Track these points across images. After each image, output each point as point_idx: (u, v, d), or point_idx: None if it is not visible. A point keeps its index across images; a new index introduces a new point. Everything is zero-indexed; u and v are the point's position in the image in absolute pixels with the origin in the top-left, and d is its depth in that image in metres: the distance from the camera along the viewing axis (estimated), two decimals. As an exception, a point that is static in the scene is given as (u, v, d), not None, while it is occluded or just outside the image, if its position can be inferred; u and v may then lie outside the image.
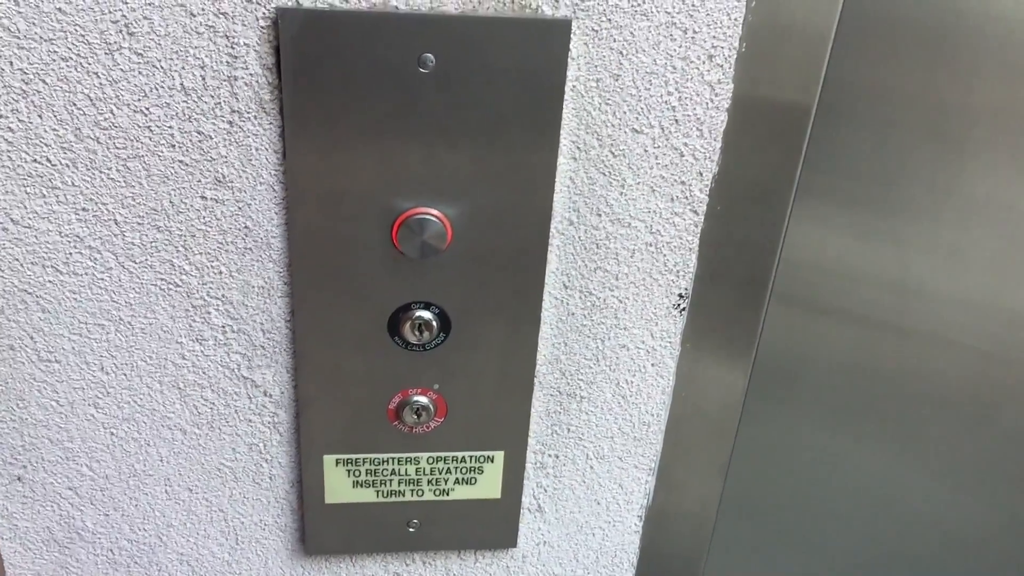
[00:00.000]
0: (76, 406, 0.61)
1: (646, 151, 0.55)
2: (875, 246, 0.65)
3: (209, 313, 0.58)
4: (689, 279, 0.61)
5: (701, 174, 0.57)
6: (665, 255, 0.59)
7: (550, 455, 0.68)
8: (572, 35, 0.51)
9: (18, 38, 0.48)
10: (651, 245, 0.59)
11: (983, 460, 0.76)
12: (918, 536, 0.81)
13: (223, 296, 0.57)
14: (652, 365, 0.64)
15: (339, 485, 0.66)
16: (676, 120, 0.54)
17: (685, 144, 0.55)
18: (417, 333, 0.60)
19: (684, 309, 0.62)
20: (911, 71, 0.58)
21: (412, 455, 0.66)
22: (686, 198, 0.57)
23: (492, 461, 0.67)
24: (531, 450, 0.67)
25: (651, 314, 0.62)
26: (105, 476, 0.64)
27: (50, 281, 0.56)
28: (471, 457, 0.66)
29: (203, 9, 0.48)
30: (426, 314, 0.59)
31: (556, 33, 0.51)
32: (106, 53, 0.49)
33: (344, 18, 0.49)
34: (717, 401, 0.67)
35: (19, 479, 0.63)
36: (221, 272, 0.57)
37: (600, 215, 0.57)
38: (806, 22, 0.53)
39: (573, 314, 0.61)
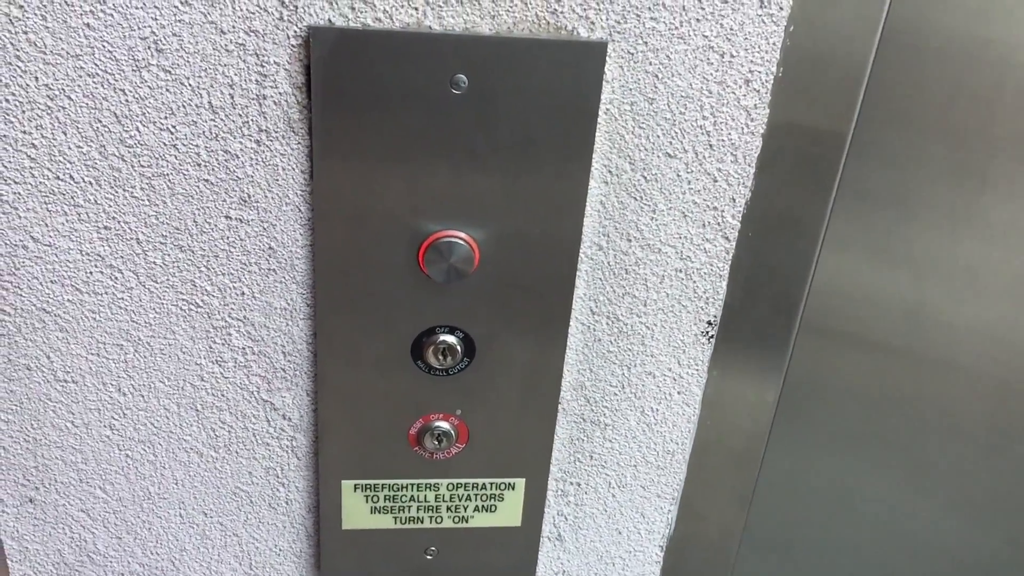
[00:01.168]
0: (91, 427, 0.60)
1: (679, 176, 0.54)
2: (893, 272, 0.64)
3: (230, 334, 0.57)
4: (718, 306, 0.60)
5: (734, 200, 0.56)
6: (695, 281, 0.58)
7: (572, 483, 0.66)
8: (607, 58, 0.50)
9: (44, 53, 0.47)
10: (681, 271, 0.58)
11: (998, 490, 0.75)
12: (932, 565, 0.79)
13: (245, 317, 0.56)
14: (678, 393, 0.63)
15: (356, 511, 0.65)
16: (710, 145, 0.53)
17: (719, 169, 0.54)
18: (441, 358, 0.58)
19: (712, 336, 0.61)
20: (938, 98, 0.57)
21: (432, 481, 0.64)
22: (718, 224, 0.56)
23: (513, 488, 0.65)
24: (553, 478, 0.66)
25: (679, 341, 0.61)
26: (119, 499, 0.63)
27: (69, 300, 0.55)
28: (492, 484, 0.65)
29: (233, 27, 0.47)
30: (450, 338, 0.58)
31: (591, 56, 0.50)
32: (134, 70, 0.48)
33: (377, 38, 0.48)
34: (742, 431, 0.66)
35: (31, 501, 0.62)
36: (243, 293, 0.55)
37: (630, 240, 0.56)
38: (844, 49, 0.52)
39: (600, 340, 0.60)
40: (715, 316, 0.60)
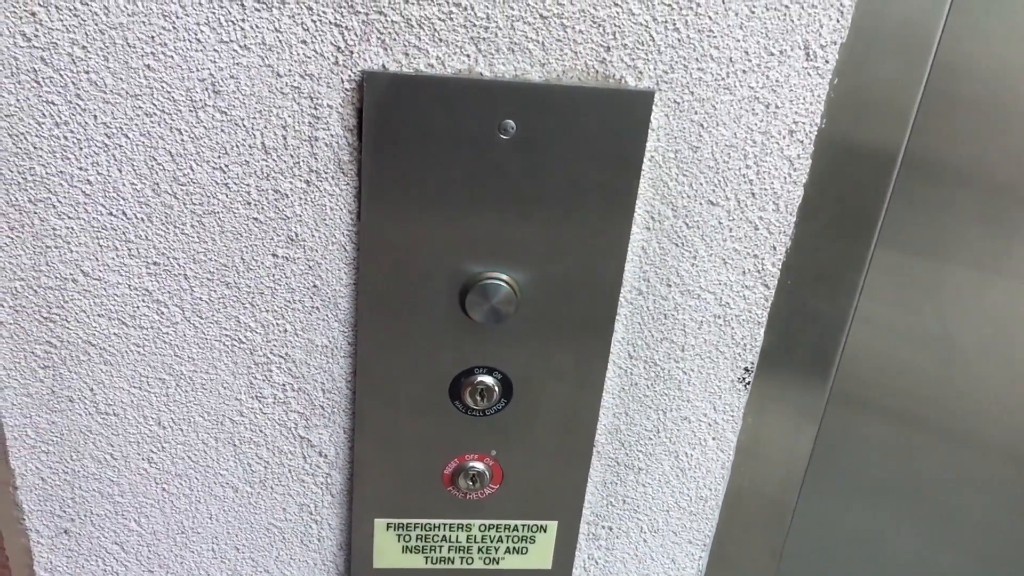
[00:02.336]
0: (130, 460, 0.60)
1: (720, 223, 0.55)
2: (921, 332, 0.64)
3: (271, 371, 0.57)
4: (756, 353, 0.60)
5: (775, 248, 0.56)
6: (733, 328, 0.59)
7: (604, 527, 0.66)
8: (654, 106, 0.51)
9: (104, 93, 0.48)
10: (720, 318, 0.58)
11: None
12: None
13: (286, 354, 0.57)
14: (713, 439, 0.63)
15: (388, 550, 0.65)
16: (753, 193, 0.54)
17: (760, 218, 0.55)
18: (478, 398, 0.59)
19: (749, 383, 0.61)
20: (973, 148, 0.57)
21: (464, 522, 0.64)
22: (758, 271, 0.57)
23: (545, 531, 0.65)
24: (585, 521, 0.66)
25: (715, 387, 0.61)
26: (153, 532, 0.63)
27: (115, 334, 0.55)
28: (524, 526, 0.65)
29: (290, 70, 0.48)
30: (488, 379, 0.58)
31: (638, 104, 0.50)
32: (190, 110, 0.49)
33: (429, 83, 0.49)
34: (776, 479, 0.66)
35: (66, 532, 0.62)
36: (286, 330, 0.56)
37: (670, 285, 0.57)
38: (888, 101, 0.53)
39: (636, 384, 0.60)
40: (752, 363, 0.60)
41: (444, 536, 0.65)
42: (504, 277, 0.55)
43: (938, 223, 0.60)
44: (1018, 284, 0.62)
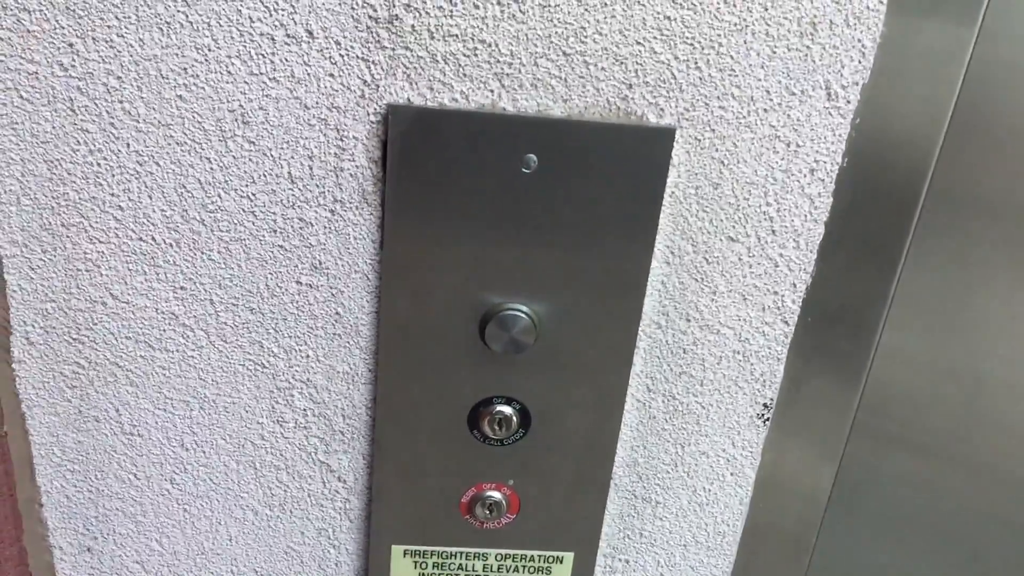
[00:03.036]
0: (153, 480, 0.61)
1: (740, 259, 0.55)
2: (946, 366, 0.63)
3: (292, 396, 0.58)
4: (775, 389, 0.60)
5: (795, 285, 0.56)
6: (752, 364, 0.59)
7: (620, 559, 0.66)
8: (675, 143, 0.51)
9: (137, 122, 0.50)
10: (739, 353, 0.58)
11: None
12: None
13: (308, 380, 0.58)
14: (731, 474, 0.63)
15: (405, 577, 0.65)
16: (773, 231, 0.54)
17: (780, 255, 0.55)
18: (496, 428, 0.59)
19: (768, 419, 0.61)
20: (999, 183, 0.57)
21: (481, 551, 0.64)
22: (778, 308, 0.57)
23: (561, 562, 0.65)
24: (602, 553, 0.66)
25: (734, 422, 0.61)
26: (173, 552, 0.64)
27: (142, 356, 0.56)
28: (540, 557, 0.65)
29: (317, 103, 0.49)
30: (507, 409, 0.59)
31: (660, 141, 0.51)
32: (220, 140, 0.50)
33: (453, 117, 0.50)
34: (795, 516, 0.66)
35: (88, 550, 0.63)
36: (308, 356, 0.57)
37: (689, 320, 0.57)
38: (911, 141, 0.53)
39: (655, 417, 0.60)
40: (771, 399, 0.60)
41: (460, 564, 0.65)
42: (524, 308, 0.55)
43: (965, 258, 0.59)
44: (1043, 326, 0.61)
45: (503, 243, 0.53)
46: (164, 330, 0.56)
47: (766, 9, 0.48)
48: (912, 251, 0.57)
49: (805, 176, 0.53)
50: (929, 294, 0.60)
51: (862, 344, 0.59)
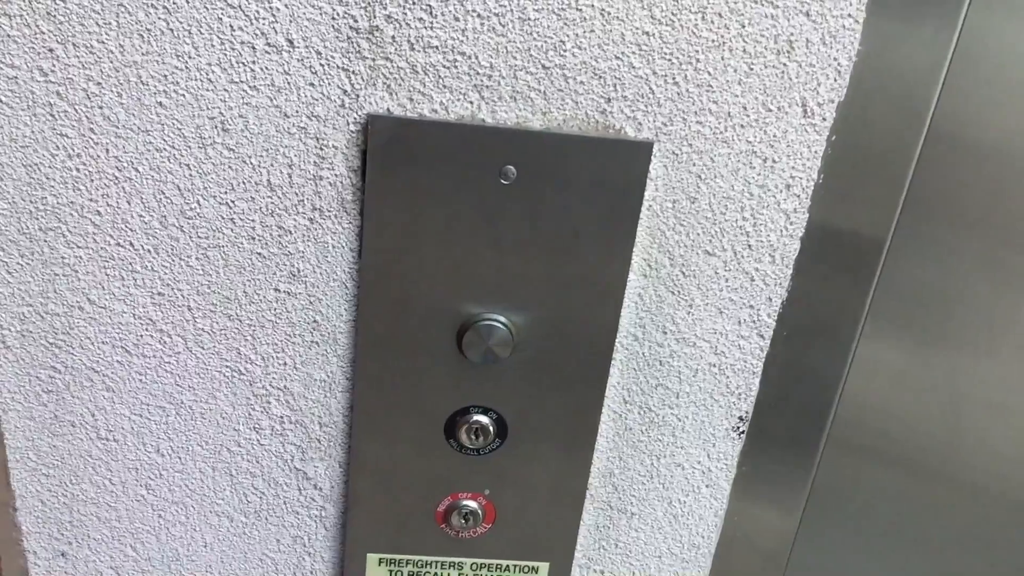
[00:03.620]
0: (128, 486, 0.61)
1: (717, 273, 0.56)
2: (922, 381, 0.64)
3: (269, 403, 0.58)
4: (750, 403, 0.60)
5: (770, 299, 0.57)
6: (728, 377, 0.59)
7: (595, 570, 0.66)
8: (653, 157, 0.52)
9: (116, 127, 0.50)
10: (715, 366, 0.59)
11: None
12: None
13: (284, 387, 0.58)
14: (706, 486, 0.63)
15: (380, 585, 0.65)
16: (749, 245, 0.55)
17: (756, 269, 0.55)
18: (473, 437, 0.59)
19: (743, 432, 0.61)
20: (976, 200, 0.58)
21: (456, 560, 0.65)
22: (754, 322, 0.57)
23: (536, 572, 0.65)
24: (577, 563, 0.66)
25: (709, 435, 0.61)
26: (148, 558, 0.64)
27: (118, 361, 0.56)
28: (515, 567, 0.65)
29: (297, 111, 0.50)
30: (483, 419, 0.59)
31: (637, 155, 0.51)
32: (199, 147, 0.50)
33: (432, 127, 0.50)
34: (770, 528, 0.66)
35: (63, 555, 0.63)
36: (286, 363, 0.57)
37: (666, 333, 0.57)
38: (886, 158, 0.53)
39: (630, 429, 0.61)
40: (747, 412, 0.61)
41: (436, 573, 0.65)
42: (501, 319, 0.55)
43: (943, 273, 0.60)
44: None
45: (481, 253, 0.54)
46: (141, 335, 0.56)
47: (743, 27, 0.49)
48: (887, 266, 0.58)
49: (781, 192, 0.53)
50: (906, 308, 0.61)
51: (837, 358, 0.60)
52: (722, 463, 0.62)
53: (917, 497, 0.69)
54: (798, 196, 0.53)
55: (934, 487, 0.69)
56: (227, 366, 0.57)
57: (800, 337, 0.58)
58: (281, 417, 0.59)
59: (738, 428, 0.61)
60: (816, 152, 0.52)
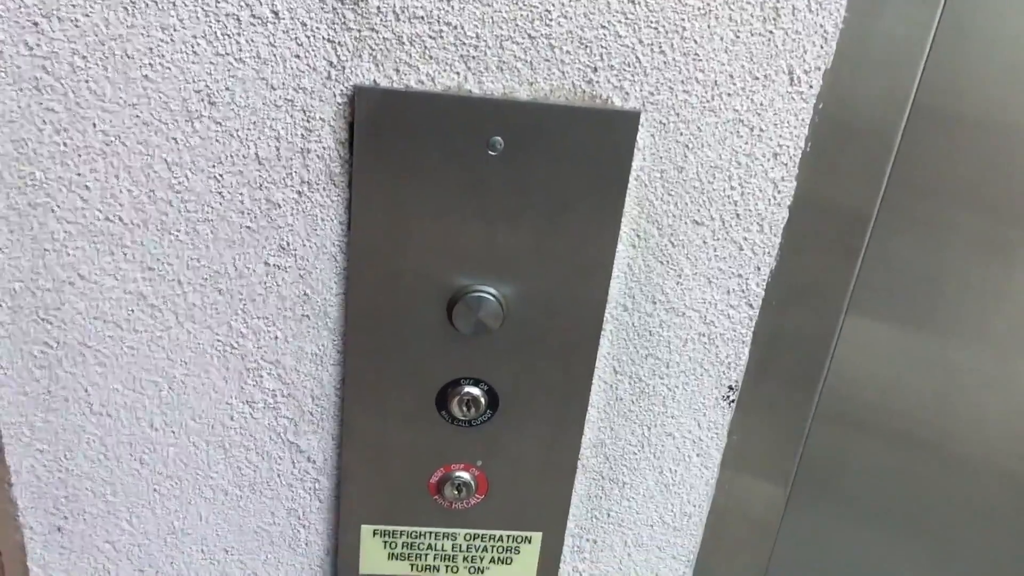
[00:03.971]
0: (122, 460, 0.61)
1: (705, 243, 0.56)
2: (920, 359, 0.64)
3: (261, 377, 0.58)
4: (740, 371, 0.61)
5: (759, 268, 0.57)
6: (718, 346, 0.59)
7: (588, 539, 0.67)
8: (640, 127, 0.52)
9: (103, 101, 0.50)
10: (704, 336, 0.59)
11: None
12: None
13: (276, 360, 0.58)
14: (697, 455, 0.64)
15: (375, 556, 0.66)
16: (737, 214, 0.55)
17: (745, 238, 0.56)
18: (464, 409, 0.60)
19: (733, 401, 0.62)
20: (967, 173, 0.58)
21: (450, 531, 0.65)
22: (742, 291, 0.57)
23: (529, 542, 0.66)
24: (569, 533, 0.67)
25: (699, 404, 0.62)
26: (144, 532, 0.64)
27: (110, 336, 0.56)
28: (509, 537, 0.66)
29: (284, 83, 0.49)
30: (475, 390, 0.59)
31: (624, 124, 0.51)
32: (186, 120, 0.50)
33: (419, 98, 0.50)
34: (761, 497, 0.67)
35: (59, 529, 0.64)
36: (277, 337, 0.57)
37: (655, 303, 0.58)
38: (873, 126, 0.54)
39: (621, 399, 0.61)
40: (736, 381, 0.61)
41: (430, 544, 0.66)
42: (491, 290, 0.56)
43: (931, 244, 0.60)
44: (1016, 307, 0.62)
45: (470, 225, 0.54)
46: (132, 310, 0.56)
47: (730, -6, 0.49)
48: (875, 237, 0.58)
49: (769, 160, 0.53)
50: (892, 281, 0.61)
51: (826, 327, 0.60)
52: (712, 432, 0.63)
53: (907, 467, 0.69)
54: (785, 165, 0.53)
55: (924, 457, 0.69)
56: (218, 340, 0.57)
57: (788, 306, 0.59)
58: (273, 391, 0.59)
59: (728, 397, 0.62)
60: (803, 120, 0.52)
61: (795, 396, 0.63)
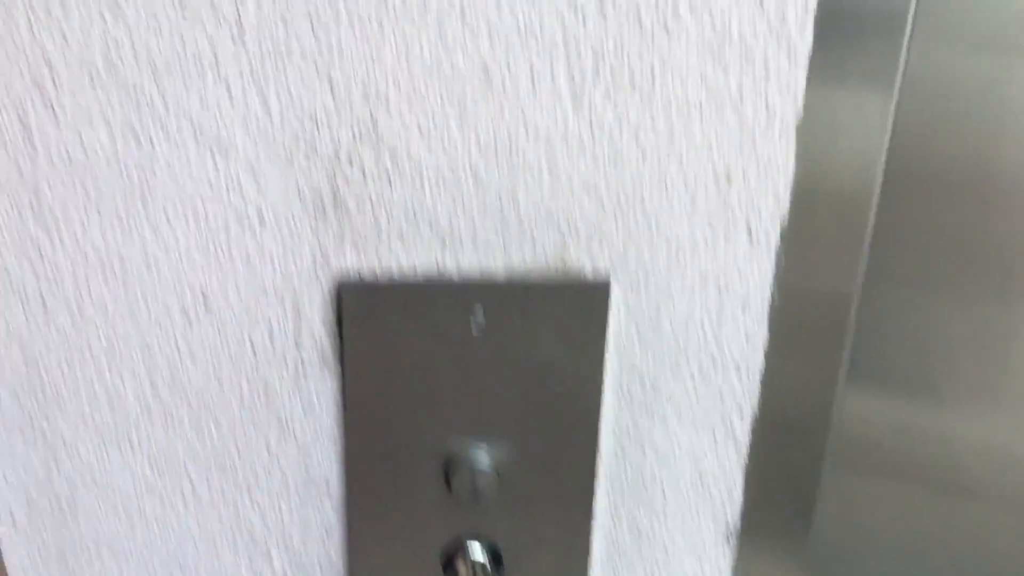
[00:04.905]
0: (139, 648, 0.62)
1: (687, 392, 0.58)
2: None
3: (271, 554, 0.60)
4: (736, 510, 0.62)
5: (742, 410, 0.59)
6: (711, 489, 0.61)
7: None
8: (612, 293, 0.55)
9: (105, 312, 0.53)
10: (696, 480, 0.61)
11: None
12: None
13: (284, 536, 0.60)
14: (704, 597, 0.64)
15: None
16: (715, 364, 0.57)
17: (724, 385, 0.58)
18: (472, 573, 0.61)
19: (731, 539, 0.63)
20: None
21: None
22: (730, 435, 0.59)
23: None
24: None
25: (700, 546, 0.63)
26: None
27: (123, 532, 0.58)
28: None
29: (274, 285, 0.53)
30: (479, 554, 0.60)
31: (597, 293, 0.54)
32: (183, 318, 0.53)
33: (400, 289, 0.53)
34: (772, 631, 0.67)
35: None
36: (282, 512, 0.59)
37: (645, 453, 0.59)
38: (831, 283, 0.56)
39: (623, 550, 0.62)
40: (735, 520, 0.62)
41: None
42: (485, 457, 0.58)
43: (912, 357, 0.62)
44: (988, 429, 0.64)
45: (461, 399, 0.56)
46: (143, 504, 0.58)
47: (681, 163, 0.52)
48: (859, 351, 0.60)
49: (739, 314, 0.56)
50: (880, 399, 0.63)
51: (813, 461, 0.62)
52: (716, 571, 0.64)
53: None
54: (755, 318, 0.56)
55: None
56: (227, 525, 0.59)
57: (775, 442, 0.60)
58: (283, 568, 0.61)
59: (727, 536, 0.63)
60: (765, 274, 0.55)
61: (794, 525, 0.64)
